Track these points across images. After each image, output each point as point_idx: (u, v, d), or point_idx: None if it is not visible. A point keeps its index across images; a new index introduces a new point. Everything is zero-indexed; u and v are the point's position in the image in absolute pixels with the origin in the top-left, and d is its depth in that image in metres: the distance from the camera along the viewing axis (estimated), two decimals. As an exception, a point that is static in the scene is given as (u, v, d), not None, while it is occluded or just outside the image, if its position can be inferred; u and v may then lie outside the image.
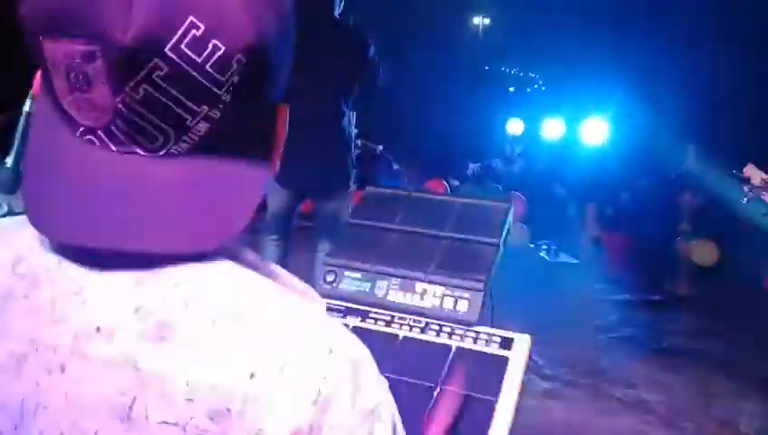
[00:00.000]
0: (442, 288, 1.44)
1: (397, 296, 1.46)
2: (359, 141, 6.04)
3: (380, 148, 5.99)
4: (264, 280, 0.51)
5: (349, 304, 1.49)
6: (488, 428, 1.19)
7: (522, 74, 12.60)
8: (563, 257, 4.91)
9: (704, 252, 4.60)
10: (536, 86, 12.89)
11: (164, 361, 0.45)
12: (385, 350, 1.34)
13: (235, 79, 0.47)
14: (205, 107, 0.47)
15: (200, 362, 0.45)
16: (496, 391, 1.25)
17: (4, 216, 1.86)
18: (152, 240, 0.47)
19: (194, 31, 0.45)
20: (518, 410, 1.25)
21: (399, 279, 1.47)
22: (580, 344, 3.49)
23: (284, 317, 0.49)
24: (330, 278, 1.53)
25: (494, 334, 1.39)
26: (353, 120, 3.45)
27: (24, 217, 0.53)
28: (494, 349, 1.34)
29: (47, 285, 0.49)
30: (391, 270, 1.51)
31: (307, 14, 2.95)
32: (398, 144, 6.09)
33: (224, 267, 0.50)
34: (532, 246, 5.16)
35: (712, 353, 3.45)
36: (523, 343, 1.38)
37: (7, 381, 0.48)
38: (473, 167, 5.61)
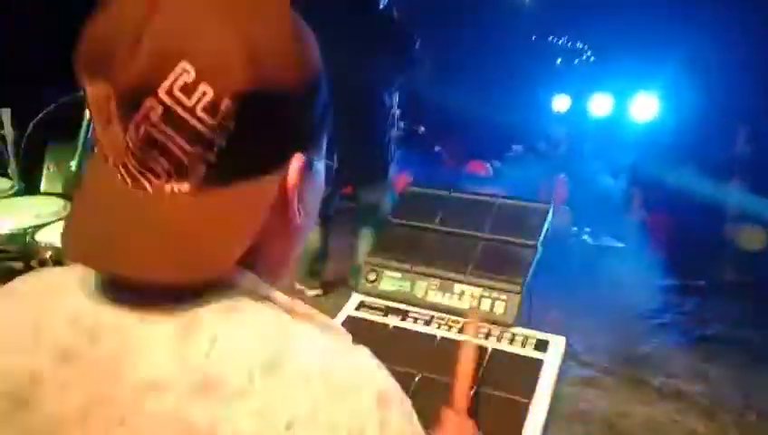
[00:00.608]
0: (480, 289, 1.49)
1: (436, 297, 1.52)
2: (401, 123, 6.06)
3: (422, 128, 6.00)
4: (293, 324, 0.55)
5: (389, 304, 1.56)
6: (521, 429, 1.24)
7: (570, 44, 12.23)
8: (607, 241, 4.86)
9: (752, 238, 4.49)
10: (585, 57, 12.49)
11: (212, 413, 0.49)
12: (423, 350, 1.41)
13: (231, 124, 0.51)
14: (199, 149, 0.51)
15: (242, 413, 0.49)
16: (530, 392, 1.30)
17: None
18: (147, 271, 0.52)
19: (185, 75, 0.49)
20: (551, 410, 1.29)
21: (439, 280, 1.53)
22: (621, 331, 3.48)
23: (314, 363, 0.53)
24: (371, 277, 1.59)
25: (529, 336, 1.43)
26: (396, 103, 3.48)
27: (74, 272, 0.59)
28: (530, 351, 1.39)
29: (104, 340, 0.54)
30: (431, 271, 1.57)
31: (352, 6, 3.02)
32: (441, 125, 6.09)
33: (257, 314, 0.55)
34: (575, 229, 5.12)
35: (756, 343, 3.40)
36: (558, 345, 1.42)
37: (74, 432, 0.52)
38: (516, 148, 5.58)
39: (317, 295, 3.67)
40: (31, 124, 6.26)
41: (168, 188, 0.53)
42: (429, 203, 1.74)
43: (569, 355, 3.22)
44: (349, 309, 1.54)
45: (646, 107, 6.23)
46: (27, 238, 1.97)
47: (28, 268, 2.03)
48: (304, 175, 0.58)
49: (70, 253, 0.55)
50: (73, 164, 1.72)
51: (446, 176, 5.89)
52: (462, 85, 8.21)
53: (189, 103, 0.50)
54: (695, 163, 4.73)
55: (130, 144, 0.51)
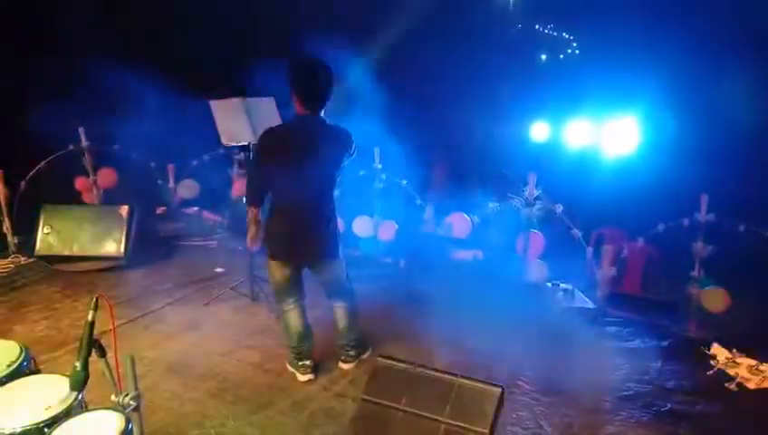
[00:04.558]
0: (439, 480, 1.72)
1: (401, 485, 1.74)
2: (383, 175, 6.30)
3: (404, 182, 6.23)
4: None
5: (361, 487, 1.79)
6: None
7: (556, 34, 12.37)
8: (579, 301, 5.12)
9: (714, 299, 4.75)
10: (569, 51, 12.64)
11: None
12: None
13: None
14: None
15: None
16: None
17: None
18: None
19: None
20: None
21: (403, 469, 1.75)
22: (588, 407, 3.74)
23: None
24: (346, 459, 1.82)
25: None
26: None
27: None
28: None
29: None
30: (397, 458, 1.79)
31: (306, 119, 3.44)
32: (423, 178, 6.35)
33: None
34: (549, 285, 5.38)
35: (713, 419, 3.66)
36: None
37: None
38: (493, 206, 5.83)
39: (308, 381, 3.91)
40: (23, 182, 6.42)
41: None
42: (397, 380, 1.96)
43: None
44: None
45: (621, 135, 6.42)
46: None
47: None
48: None
49: None
50: (78, 365, 1.91)
51: (427, 227, 6.14)
52: (443, 126, 8.45)
53: None
54: (663, 226, 4.99)
55: None
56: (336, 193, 3.70)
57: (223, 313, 4.99)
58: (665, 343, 4.63)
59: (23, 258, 6.03)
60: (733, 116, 5.84)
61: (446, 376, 1.99)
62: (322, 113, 3.45)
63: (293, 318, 3.87)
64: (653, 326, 4.87)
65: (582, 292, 5.28)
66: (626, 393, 3.94)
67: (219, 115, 4.96)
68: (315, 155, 3.37)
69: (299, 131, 3.43)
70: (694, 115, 6.41)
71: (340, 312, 3.98)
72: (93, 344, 2.03)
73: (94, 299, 2.11)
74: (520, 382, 4.00)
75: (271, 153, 3.44)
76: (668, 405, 3.81)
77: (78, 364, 1.88)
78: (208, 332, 4.63)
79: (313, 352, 4.00)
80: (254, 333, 4.59)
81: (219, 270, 5.83)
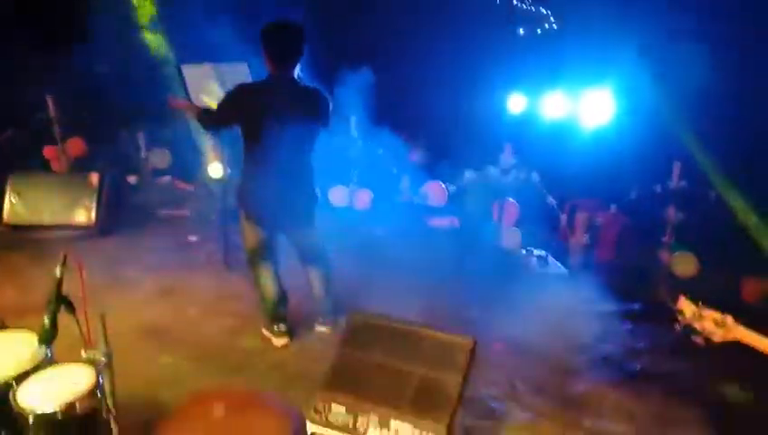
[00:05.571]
0: (411, 426, 1.74)
1: (375, 432, 1.76)
2: (359, 142, 6.27)
3: (381, 151, 6.21)
4: None
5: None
6: None
7: (533, 9, 12.36)
8: (552, 267, 5.18)
9: (684, 264, 4.85)
10: (547, 26, 12.65)
11: None
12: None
13: None
14: None
15: None
16: None
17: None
18: None
19: None
20: None
21: (377, 416, 1.77)
22: (560, 368, 3.81)
23: None
24: (320, 408, 1.83)
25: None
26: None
27: None
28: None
29: None
30: (371, 407, 1.81)
31: (279, 78, 3.40)
32: (399, 147, 6.33)
33: None
34: (524, 251, 5.42)
35: (681, 376, 3.75)
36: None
37: None
38: (469, 175, 5.85)
39: (284, 346, 3.90)
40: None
41: None
42: (373, 333, 1.97)
43: (511, 397, 3.48)
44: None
45: (596, 107, 6.43)
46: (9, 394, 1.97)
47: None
48: None
49: None
50: (47, 320, 1.87)
51: (404, 196, 6.15)
52: (419, 96, 8.39)
53: None
54: (635, 193, 5.07)
55: None
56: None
57: (197, 280, 4.94)
58: (636, 307, 4.71)
59: (-10, 227, 5.89)
60: (706, 85, 5.89)
61: (420, 329, 2.00)
62: (295, 73, 3.41)
63: (268, 282, 3.85)
64: (624, 291, 4.95)
65: (556, 258, 5.34)
66: (597, 355, 4.02)
67: (190, 80, 4.86)
68: (288, 114, 3.33)
69: (272, 90, 3.39)
70: (667, 85, 6.45)
71: (315, 277, 3.97)
72: (62, 301, 2.00)
73: (63, 256, 2.07)
74: (494, 344, 4.04)
75: (242, 106, 3.40)
76: (638, 365, 3.90)
77: (47, 320, 1.85)
78: (182, 298, 4.59)
79: (288, 316, 4.00)
80: (229, 299, 4.56)
81: (192, 238, 5.77)
